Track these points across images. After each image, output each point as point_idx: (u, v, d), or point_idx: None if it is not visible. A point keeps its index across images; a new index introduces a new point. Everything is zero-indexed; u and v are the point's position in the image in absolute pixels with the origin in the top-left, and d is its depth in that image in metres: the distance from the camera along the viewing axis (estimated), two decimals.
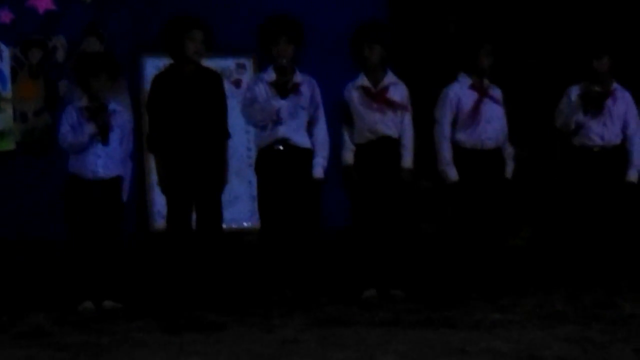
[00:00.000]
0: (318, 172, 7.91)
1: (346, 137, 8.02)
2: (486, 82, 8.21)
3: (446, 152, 8.08)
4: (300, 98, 7.90)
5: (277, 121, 7.81)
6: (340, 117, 8.01)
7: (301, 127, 7.93)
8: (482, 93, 8.13)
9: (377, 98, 7.98)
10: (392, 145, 8.01)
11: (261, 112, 7.85)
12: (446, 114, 8.11)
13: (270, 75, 7.90)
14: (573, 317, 6.35)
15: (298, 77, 7.93)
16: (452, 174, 8.09)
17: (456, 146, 8.09)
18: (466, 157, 8.09)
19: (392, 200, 7.99)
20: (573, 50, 9.40)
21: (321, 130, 8.00)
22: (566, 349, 5.03)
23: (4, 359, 5.21)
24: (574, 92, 8.44)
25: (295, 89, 7.87)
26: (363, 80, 8.04)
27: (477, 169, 8.07)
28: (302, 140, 7.91)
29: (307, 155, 7.93)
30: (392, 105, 8.01)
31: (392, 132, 8.00)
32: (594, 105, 8.31)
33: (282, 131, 7.81)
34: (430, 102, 8.35)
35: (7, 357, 5.25)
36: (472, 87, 8.13)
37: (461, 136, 8.09)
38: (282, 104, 7.81)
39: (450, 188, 8.24)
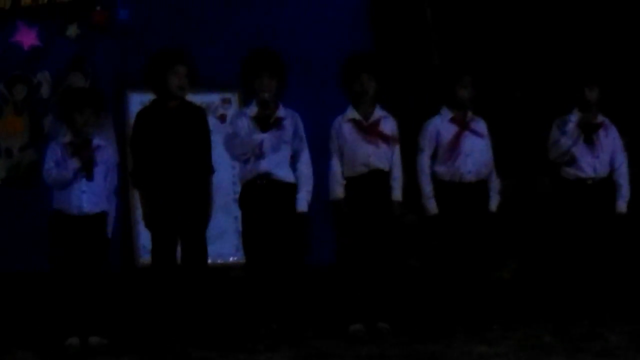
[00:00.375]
0: (302, 206, 7.87)
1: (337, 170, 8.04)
2: (469, 115, 8.21)
3: (425, 185, 8.13)
4: (283, 132, 7.87)
5: (259, 155, 7.76)
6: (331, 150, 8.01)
7: (284, 162, 7.89)
8: (463, 126, 8.13)
9: (370, 131, 8.00)
10: (383, 178, 8.00)
11: (243, 146, 7.82)
12: (425, 148, 8.15)
13: (253, 109, 7.90)
14: (560, 349, 6.38)
15: (281, 112, 7.92)
16: (432, 207, 8.14)
17: (436, 179, 8.11)
18: (446, 190, 8.11)
19: (381, 234, 7.97)
20: (560, 81, 9.43)
21: (305, 164, 7.97)
22: None
23: None
24: (571, 121, 8.42)
25: (278, 123, 7.85)
26: (353, 113, 8.06)
27: (457, 202, 8.07)
28: (284, 174, 7.87)
29: (291, 189, 7.89)
30: (385, 138, 8.02)
31: (384, 165, 8.00)
32: (588, 136, 8.32)
33: (264, 165, 7.77)
34: (414, 135, 8.36)
35: None
36: (453, 120, 8.15)
37: (440, 169, 8.11)
38: (264, 138, 7.77)
39: (431, 221, 8.27)
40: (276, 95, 7.92)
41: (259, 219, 7.82)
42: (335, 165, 8.00)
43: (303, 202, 7.88)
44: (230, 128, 8.14)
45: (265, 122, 7.81)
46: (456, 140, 8.08)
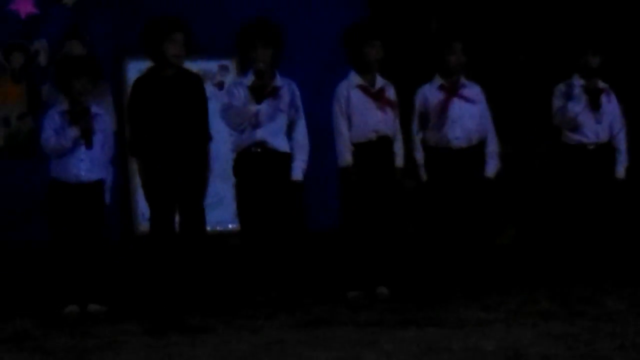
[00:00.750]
0: (297, 174, 7.93)
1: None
2: (462, 81, 8.28)
3: (415, 152, 8.28)
4: (280, 101, 7.92)
5: (255, 125, 7.83)
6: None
7: (280, 131, 7.95)
8: (452, 93, 8.20)
9: (379, 98, 8.05)
10: (389, 144, 8.08)
11: (239, 116, 7.88)
12: (414, 115, 8.27)
13: (250, 79, 7.92)
14: (558, 314, 6.39)
15: (277, 81, 7.96)
16: (422, 173, 8.29)
17: (426, 146, 8.22)
18: (435, 156, 8.23)
19: (387, 201, 8.06)
20: (561, 47, 9.44)
21: (301, 133, 8.03)
22: (551, 346, 5.07)
23: None
24: (576, 84, 8.47)
25: (274, 92, 7.90)
26: (359, 80, 8.08)
27: (446, 168, 8.17)
28: (280, 143, 7.94)
29: (286, 158, 7.95)
30: (391, 105, 8.10)
31: (391, 131, 8.08)
32: (595, 102, 8.36)
33: (260, 134, 7.83)
34: (410, 104, 8.42)
35: None
36: (441, 87, 8.25)
37: (428, 135, 8.23)
38: (260, 108, 7.82)
39: (424, 188, 8.38)
40: (272, 65, 7.94)
41: (253, 187, 7.89)
42: (345, 132, 8.01)
43: (298, 170, 7.94)
44: (226, 97, 8.18)
45: (261, 92, 7.84)
46: (444, 106, 8.16)
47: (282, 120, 7.93)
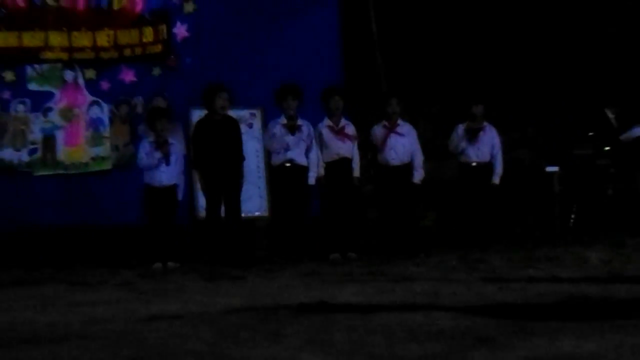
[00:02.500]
0: (311, 180, 8.08)
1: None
2: (398, 122, 8.34)
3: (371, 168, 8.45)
4: (302, 134, 8.05)
5: (287, 149, 8.01)
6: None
7: (302, 153, 8.07)
8: (390, 129, 8.26)
9: (340, 133, 8.15)
10: (348, 162, 8.13)
11: (278, 144, 8.05)
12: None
13: (283, 120, 8.06)
14: (461, 269, 6.37)
15: (300, 121, 8.09)
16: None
17: (377, 163, 8.37)
18: (381, 170, 8.34)
19: (348, 197, 8.14)
20: (459, 99, 9.56)
21: (314, 154, 8.13)
22: (456, 288, 4.98)
23: (106, 298, 5.24)
24: (460, 128, 8.63)
25: (299, 128, 8.03)
26: (328, 122, 8.18)
27: (388, 177, 8.28)
28: (302, 160, 8.08)
29: (305, 170, 8.09)
30: (348, 137, 8.17)
31: (349, 154, 8.14)
32: (472, 137, 8.48)
33: (290, 155, 8.03)
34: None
35: (108, 297, 5.26)
36: (384, 126, 8.31)
37: (378, 156, 8.32)
38: (291, 138, 7.99)
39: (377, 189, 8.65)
40: (296, 111, 8.09)
41: (285, 187, 8.09)
42: (319, 154, 8.15)
43: (312, 178, 8.10)
44: (269, 131, 8.28)
45: (292, 128, 8.00)
46: (384, 139, 8.24)
47: (303, 146, 8.07)
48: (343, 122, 8.24)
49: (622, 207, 10.73)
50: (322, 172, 8.14)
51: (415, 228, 8.56)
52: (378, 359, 2.94)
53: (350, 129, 8.23)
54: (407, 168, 8.26)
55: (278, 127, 8.09)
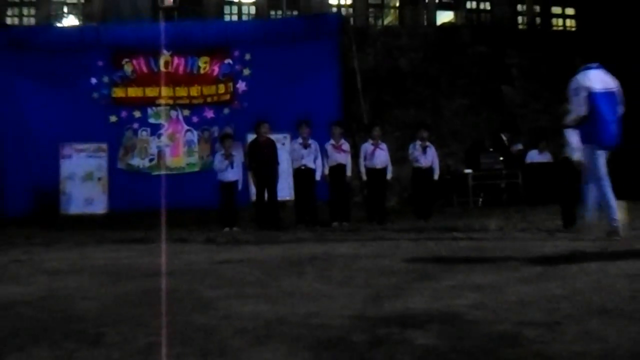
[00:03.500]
0: (317, 178, 7.88)
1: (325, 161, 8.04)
2: (379, 142, 8.12)
3: (361, 169, 8.10)
4: (312, 149, 7.87)
5: (302, 158, 7.83)
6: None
7: (312, 160, 7.86)
8: (375, 146, 8.05)
9: (338, 149, 7.97)
10: (343, 167, 7.95)
11: (297, 155, 7.89)
12: (361, 155, 8.11)
13: (300, 140, 7.91)
14: (413, 233, 6.13)
15: (310, 141, 7.91)
16: (364, 178, 8.18)
17: (366, 167, 8.08)
18: (369, 171, 8.06)
19: (344, 188, 7.99)
20: (413, 129, 9.38)
21: (319, 161, 7.93)
22: (409, 244, 4.89)
23: (196, 249, 5.17)
24: (416, 145, 8.22)
25: (310, 145, 7.87)
26: (331, 141, 8.00)
27: (374, 175, 8.05)
28: (312, 165, 7.87)
29: (313, 171, 7.88)
30: (344, 151, 8.01)
31: (344, 162, 7.96)
32: (422, 150, 8.16)
33: (304, 161, 7.84)
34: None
35: (197, 248, 5.19)
36: (372, 144, 8.08)
37: (366, 163, 8.07)
38: (305, 152, 7.84)
39: (365, 184, 8.40)
40: (309, 134, 7.93)
41: (301, 183, 7.89)
42: (324, 162, 7.96)
43: (317, 176, 7.90)
44: (291, 148, 8.22)
45: (305, 145, 7.84)
46: (372, 152, 8.03)
47: (312, 157, 7.87)
48: (341, 141, 8.02)
49: (510, 193, 10.70)
50: (326, 172, 7.96)
51: (385, 207, 8.33)
52: (361, 287, 2.98)
53: (346, 146, 8.05)
54: (384, 170, 8.07)
55: (297, 145, 7.95)
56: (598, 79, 4.92)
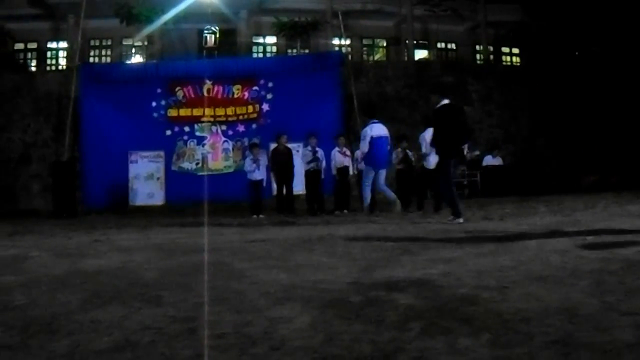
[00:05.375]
0: (323, 177, 7.79)
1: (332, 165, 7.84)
2: (345, 148, 7.86)
3: (357, 166, 7.85)
4: (318, 155, 7.76)
5: (312, 162, 7.70)
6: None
7: (319, 164, 7.74)
8: (341, 151, 7.81)
9: (343, 153, 7.83)
10: (346, 168, 7.83)
11: (306, 160, 7.76)
12: (358, 157, 7.68)
13: (309, 148, 7.79)
14: (397, 218, 5.93)
15: (317, 149, 7.79)
16: (354, 172, 7.94)
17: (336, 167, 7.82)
18: (337, 170, 7.81)
19: (346, 185, 7.88)
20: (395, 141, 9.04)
21: (324, 165, 7.82)
22: (395, 227, 4.74)
23: (231, 231, 5.01)
24: (399, 152, 7.72)
25: (317, 152, 7.76)
26: (337, 149, 7.85)
27: (340, 173, 7.79)
28: (320, 167, 7.75)
29: (320, 172, 7.77)
30: (347, 156, 7.87)
31: (348, 164, 7.83)
32: (404, 155, 7.80)
33: (313, 165, 7.72)
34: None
35: (232, 231, 5.04)
36: (338, 150, 7.87)
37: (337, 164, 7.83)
38: (313, 157, 7.72)
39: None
40: (316, 143, 7.81)
41: (311, 180, 7.76)
42: (333, 165, 7.83)
43: (322, 175, 7.80)
44: (302, 154, 8.05)
45: (314, 153, 7.72)
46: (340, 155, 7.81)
47: (319, 161, 7.74)
48: (344, 149, 7.87)
49: (471, 189, 10.57)
50: (334, 172, 7.82)
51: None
52: (357, 259, 2.95)
53: (348, 152, 7.92)
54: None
55: (307, 152, 7.84)
56: (377, 129, 6.51)
